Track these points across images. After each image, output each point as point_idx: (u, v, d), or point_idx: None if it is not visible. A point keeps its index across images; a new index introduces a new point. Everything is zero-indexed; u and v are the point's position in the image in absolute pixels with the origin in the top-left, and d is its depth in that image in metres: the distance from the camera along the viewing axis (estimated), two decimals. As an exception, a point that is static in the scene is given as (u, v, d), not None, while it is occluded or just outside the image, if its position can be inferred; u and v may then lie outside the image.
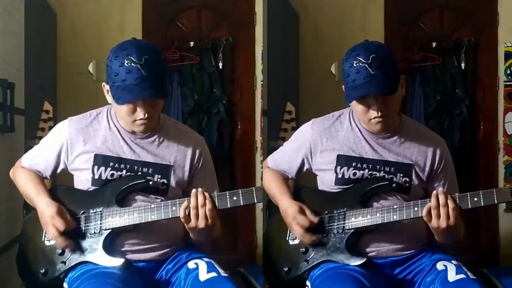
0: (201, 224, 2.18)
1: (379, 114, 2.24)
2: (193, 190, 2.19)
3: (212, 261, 2.30)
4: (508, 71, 4.17)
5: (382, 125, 2.28)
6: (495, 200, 2.19)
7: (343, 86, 2.31)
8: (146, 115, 2.21)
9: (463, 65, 4.19)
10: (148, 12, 4.30)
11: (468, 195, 2.19)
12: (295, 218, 2.34)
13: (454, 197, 2.19)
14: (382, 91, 2.21)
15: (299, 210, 2.35)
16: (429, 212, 2.19)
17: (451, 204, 2.17)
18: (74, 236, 2.27)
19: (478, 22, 4.23)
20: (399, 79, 2.26)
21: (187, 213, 2.18)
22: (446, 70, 4.19)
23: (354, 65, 2.20)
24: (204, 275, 2.22)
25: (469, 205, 2.20)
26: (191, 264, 2.28)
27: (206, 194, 2.19)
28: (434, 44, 4.20)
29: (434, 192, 2.20)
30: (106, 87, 2.26)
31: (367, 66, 2.19)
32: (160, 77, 2.20)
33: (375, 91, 2.20)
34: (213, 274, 2.22)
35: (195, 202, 2.18)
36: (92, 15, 4.26)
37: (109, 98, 2.26)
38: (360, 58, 2.20)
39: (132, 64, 2.15)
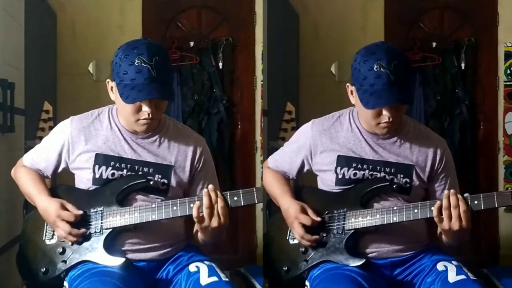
0: (214, 223, 2.17)
1: (390, 120, 2.23)
2: (205, 190, 2.17)
3: (214, 265, 2.30)
4: (508, 71, 4.17)
5: (388, 130, 2.28)
6: (496, 204, 2.19)
7: (347, 85, 2.30)
8: (150, 116, 2.21)
9: (463, 65, 4.19)
10: (148, 12, 4.30)
11: (469, 198, 2.19)
12: (297, 218, 2.34)
13: (465, 198, 2.18)
14: (403, 100, 2.20)
15: (301, 209, 2.35)
16: (439, 212, 2.18)
17: (462, 206, 2.15)
18: (82, 226, 2.27)
19: (478, 22, 4.23)
20: (414, 86, 2.24)
21: (200, 213, 2.17)
22: (446, 70, 4.19)
23: (375, 69, 2.17)
24: (205, 279, 2.22)
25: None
26: (192, 267, 2.28)
27: (218, 192, 2.18)
28: (434, 44, 4.20)
29: (446, 192, 2.18)
30: (110, 84, 2.26)
31: (388, 73, 2.16)
32: (168, 79, 2.24)
33: (396, 100, 2.18)
34: (214, 278, 2.22)
35: (208, 201, 2.15)
36: (92, 15, 4.26)
37: (112, 95, 2.27)
38: (381, 63, 2.17)
39: (143, 64, 2.16)
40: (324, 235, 2.34)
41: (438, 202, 2.19)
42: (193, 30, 4.34)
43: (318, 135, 2.39)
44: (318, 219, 2.33)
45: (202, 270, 2.26)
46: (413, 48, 4.16)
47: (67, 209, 2.27)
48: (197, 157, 2.36)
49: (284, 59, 4.10)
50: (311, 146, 2.41)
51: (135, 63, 2.16)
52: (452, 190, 2.19)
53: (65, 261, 2.29)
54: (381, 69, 2.17)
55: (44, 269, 2.31)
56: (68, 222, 2.25)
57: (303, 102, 4.18)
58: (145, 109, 2.20)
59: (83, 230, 2.26)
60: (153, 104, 2.20)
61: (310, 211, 2.35)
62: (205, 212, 2.16)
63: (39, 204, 2.32)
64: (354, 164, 2.33)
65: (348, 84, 2.31)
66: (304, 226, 2.33)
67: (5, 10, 3.42)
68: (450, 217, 2.16)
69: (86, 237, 2.28)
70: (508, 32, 4.18)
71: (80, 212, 2.27)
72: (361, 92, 2.22)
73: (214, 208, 2.16)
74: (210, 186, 2.18)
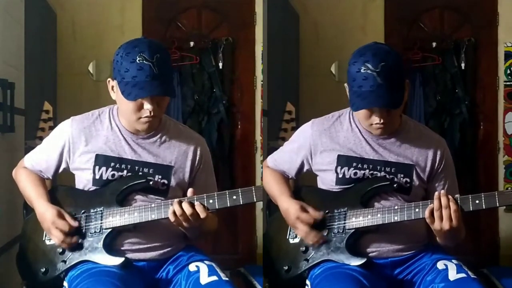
0: (191, 224, 2.20)
1: (381, 121, 2.23)
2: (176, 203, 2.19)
3: (213, 265, 2.29)
4: (508, 71, 4.18)
5: (382, 131, 2.28)
6: (497, 203, 2.18)
7: (345, 85, 2.30)
8: (152, 113, 2.21)
9: (463, 65, 4.19)
10: (148, 12, 4.31)
11: (470, 197, 2.19)
12: (298, 217, 2.34)
13: (456, 199, 2.18)
14: (388, 104, 2.19)
15: (301, 208, 2.35)
16: (431, 214, 2.18)
17: (453, 206, 2.16)
18: (76, 234, 2.28)
19: (478, 22, 4.23)
20: (404, 89, 2.23)
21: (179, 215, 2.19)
22: (446, 70, 4.20)
23: (362, 71, 2.17)
24: (205, 278, 2.22)
25: (471, 207, 2.19)
26: (192, 267, 2.28)
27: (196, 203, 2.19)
28: (434, 44, 4.21)
29: (436, 193, 2.19)
30: (111, 83, 2.26)
31: (375, 75, 2.15)
32: (169, 76, 2.24)
33: (381, 103, 2.17)
34: (214, 277, 2.22)
35: (183, 210, 2.18)
36: (92, 15, 4.27)
37: (113, 94, 2.27)
38: (368, 65, 2.16)
39: (144, 61, 2.16)
40: (325, 233, 2.34)
41: (430, 205, 2.19)
42: (193, 30, 4.34)
43: (318, 134, 2.39)
44: (320, 215, 2.33)
45: (202, 269, 2.26)
46: (413, 48, 4.17)
47: (63, 218, 2.27)
48: (197, 158, 2.36)
49: (284, 59, 4.10)
50: (311, 145, 2.40)
51: (137, 60, 2.16)
52: (442, 191, 2.20)
53: (64, 261, 2.29)
54: (368, 71, 2.16)
55: (44, 269, 2.31)
56: (62, 230, 2.26)
57: (303, 102, 4.18)
58: (147, 106, 2.20)
59: (75, 238, 2.27)
60: (154, 102, 2.21)
61: (310, 209, 2.34)
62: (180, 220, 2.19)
63: (37, 209, 2.32)
64: (354, 164, 2.33)
65: (345, 84, 2.32)
66: (307, 224, 2.33)
67: (5, 10, 3.42)
68: (440, 218, 2.17)
69: (80, 246, 2.27)
70: (508, 32, 4.18)
71: (76, 223, 2.27)
72: (350, 94, 2.23)
73: (186, 215, 2.18)
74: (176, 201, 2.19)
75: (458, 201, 2.18)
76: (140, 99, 2.18)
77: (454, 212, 2.16)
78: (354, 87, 2.20)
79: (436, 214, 2.17)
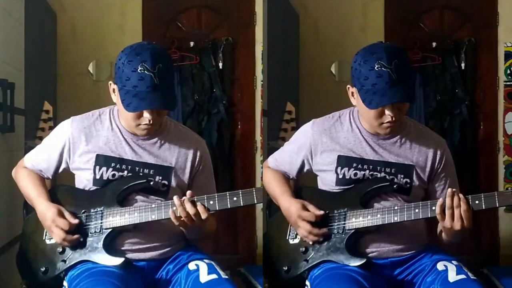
0: (192, 224, 2.20)
1: (393, 119, 2.23)
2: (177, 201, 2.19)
3: (213, 263, 2.30)
4: (508, 71, 4.18)
5: (391, 129, 2.28)
6: (497, 204, 2.19)
7: (348, 86, 2.30)
8: (151, 122, 2.21)
9: (463, 65, 4.19)
10: (148, 12, 4.31)
11: (470, 198, 2.19)
12: (300, 215, 2.34)
13: (467, 198, 2.18)
14: (407, 98, 2.21)
15: (302, 206, 2.35)
16: (442, 211, 2.18)
17: (463, 206, 2.16)
18: (77, 232, 2.28)
19: (478, 22, 4.23)
20: (415, 85, 2.24)
21: (177, 215, 2.19)
22: (446, 70, 4.19)
23: (376, 68, 2.17)
24: (204, 276, 2.22)
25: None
26: (191, 265, 2.28)
27: (188, 204, 2.18)
28: (434, 44, 4.21)
29: (449, 191, 2.18)
30: (112, 86, 2.25)
31: (390, 72, 2.16)
32: (171, 87, 2.22)
33: (401, 98, 2.18)
34: (214, 276, 2.22)
35: (185, 209, 2.18)
36: (92, 15, 4.26)
37: (114, 97, 2.26)
38: (382, 62, 2.16)
39: (146, 71, 2.14)
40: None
41: (440, 200, 2.19)
42: (193, 30, 4.34)
43: (318, 135, 2.39)
44: (321, 212, 2.33)
45: (201, 268, 2.26)
46: (413, 48, 4.16)
47: (64, 216, 2.27)
48: (197, 159, 2.36)
49: (284, 59, 4.10)
50: (311, 146, 2.41)
51: (138, 70, 2.14)
52: (454, 189, 2.19)
53: (64, 261, 2.29)
54: (382, 68, 2.17)
55: (44, 268, 2.31)
56: (62, 229, 2.25)
57: (303, 102, 4.18)
58: (146, 115, 2.20)
59: (76, 236, 2.26)
60: (154, 111, 2.20)
61: (311, 207, 2.34)
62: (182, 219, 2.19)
63: (38, 208, 2.32)
64: (354, 164, 2.33)
65: (348, 86, 2.31)
66: (309, 222, 2.33)
67: (5, 10, 3.42)
68: (452, 217, 2.17)
69: (81, 244, 2.27)
70: (508, 32, 4.18)
71: (76, 221, 2.27)
72: (363, 92, 2.22)
73: (188, 215, 2.18)
74: (184, 198, 2.18)
75: (470, 200, 2.18)
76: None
77: (465, 212, 2.15)
78: (366, 86, 2.20)
79: (447, 212, 2.17)
